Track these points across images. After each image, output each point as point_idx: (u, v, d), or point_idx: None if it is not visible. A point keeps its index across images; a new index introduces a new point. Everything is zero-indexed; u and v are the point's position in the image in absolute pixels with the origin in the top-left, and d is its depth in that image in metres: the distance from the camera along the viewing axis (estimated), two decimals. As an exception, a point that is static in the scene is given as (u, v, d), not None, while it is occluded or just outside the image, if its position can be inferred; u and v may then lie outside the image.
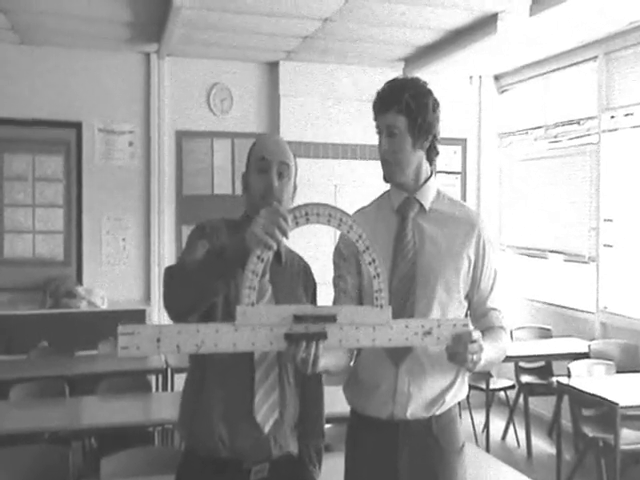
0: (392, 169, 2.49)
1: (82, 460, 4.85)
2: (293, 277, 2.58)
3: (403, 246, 2.46)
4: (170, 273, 2.30)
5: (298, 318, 2.03)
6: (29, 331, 6.50)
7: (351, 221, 2.09)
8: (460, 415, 5.56)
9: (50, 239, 7.22)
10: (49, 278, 7.02)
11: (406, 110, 2.42)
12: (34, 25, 6.48)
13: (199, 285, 2.18)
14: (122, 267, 7.41)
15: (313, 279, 2.68)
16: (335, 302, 2.52)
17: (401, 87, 2.46)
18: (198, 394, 2.48)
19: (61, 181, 7.27)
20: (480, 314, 2.55)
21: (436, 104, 2.49)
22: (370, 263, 2.10)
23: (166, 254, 7.45)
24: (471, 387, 6.48)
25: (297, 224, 2.05)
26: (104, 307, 6.95)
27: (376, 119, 2.51)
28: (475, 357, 2.18)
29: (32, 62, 7.15)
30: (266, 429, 2.44)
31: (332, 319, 2.06)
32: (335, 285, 2.55)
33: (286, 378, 2.51)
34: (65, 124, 7.24)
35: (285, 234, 2.02)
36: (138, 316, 6.79)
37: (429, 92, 2.49)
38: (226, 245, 2.18)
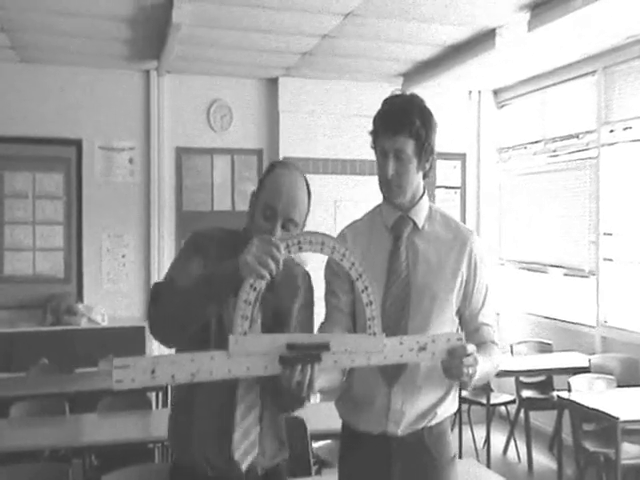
0: (395, 191, 2.48)
1: (82, 478, 4.83)
2: (285, 300, 2.52)
3: (397, 266, 2.47)
4: (157, 291, 2.29)
5: (291, 347, 2.04)
6: (29, 348, 6.50)
7: (344, 249, 2.10)
8: (460, 430, 5.56)
9: (50, 256, 7.23)
10: (49, 295, 7.02)
11: (416, 135, 2.41)
12: (34, 43, 6.50)
13: (188, 309, 2.17)
14: (122, 284, 7.41)
15: (310, 291, 2.58)
16: (327, 319, 2.52)
17: (410, 110, 2.43)
18: (182, 415, 2.50)
19: (61, 198, 7.28)
20: (472, 329, 2.55)
21: (436, 125, 2.50)
22: (363, 290, 2.10)
23: (166, 271, 7.44)
24: (471, 402, 6.49)
25: (290, 252, 2.06)
26: (104, 324, 6.95)
27: (379, 140, 2.47)
28: (471, 370, 2.19)
29: (32, 80, 7.17)
30: (243, 467, 2.42)
31: (325, 348, 2.06)
32: (327, 301, 2.54)
33: (270, 413, 2.49)
34: (65, 141, 7.26)
35: (278, 264, 2.01)
36: (138, 333, 6.79)
37: (431, 113, 2.49)
38: (217, 271, 2.17)
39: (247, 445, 2.43)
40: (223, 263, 2.21)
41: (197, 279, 2.21)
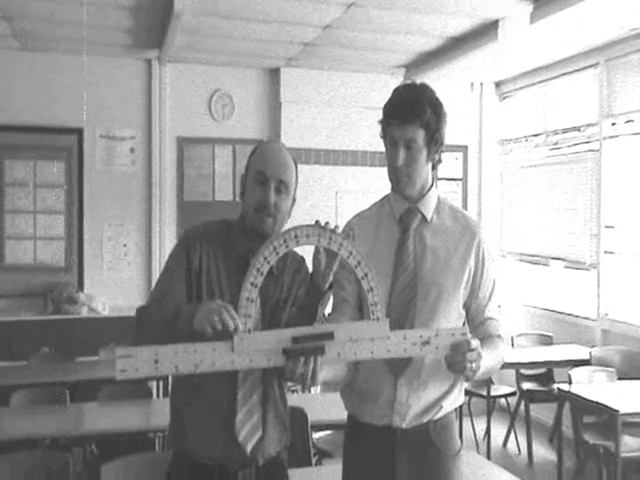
0: (404, 181, 2.46)
1: (83, 466, 4.83)
2: (287, 289, 2.56)
3: (405, 258, 2.45)
4: (140, 319, 2.40)
5: (296, 340, 2.06)
6: (30, 337, 6.50)
7: (341, 239, 2.12)
8: (461, 422, 5.53)
9: (51, 245, 7.22)
10: (50, 284, 7.02)
11: (427, 125, 2.39)
12: (35, 31, 6.49)
13: (165, 340, 2.16)
14: (123, 273, 7.41)
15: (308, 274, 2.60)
16: (334, 310, 2.51)
17: (421, 100, 2.41)
18: (182, 403, 2.53)
19: (62, 187, 7.27)
20: (478, 323, 2.54)
21: (446, 116, 2.48)
22: (363, 277, 2.12)
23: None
24: (472, 394, 6.49)
25: (287, 246, 2.09)
26: (105, 313, 6.95)
27: (390, 129, 2.45)
28: (474, 365, 2.18)
29: (33, 68, 7.16)
30: (248, 448, 2.44)
31: (330, 337, 2.07)
32: (334, 293, 2.53)
33: (272, 397, 2.52)
34: (66, 130, 7.25)
35: (235, 327, 2.06)
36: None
37: (442, 103, 2.47)
38: (183, 311, 2.23)
39: (250, 427, 2.45)
40: (189, 306, 2.30)
41: (170, 313, 2.27)
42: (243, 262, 2.38)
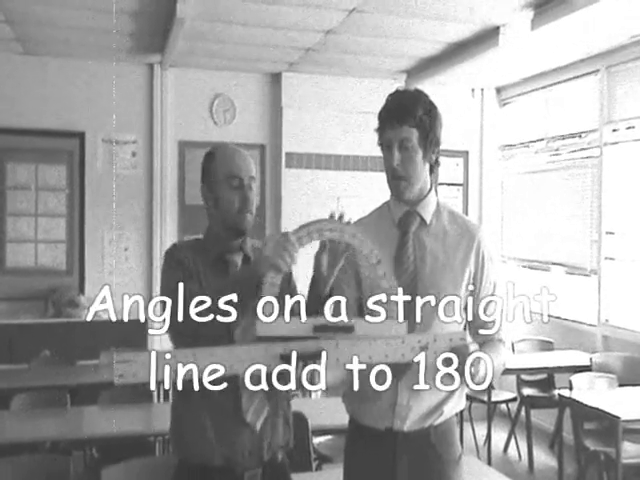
0: (402, 184, 2.47)
1: (83, 470, 4.84)
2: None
3: (404, 260, 2.46)
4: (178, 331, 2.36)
5: (317, 328, 2.06)
6: (31, 340, 6.49)
7: (353, 229, 2.15)
8: (461, 427, 5.52)
9: (53, 248, 7.23)
10: (51, 287, 7.02)
11: (419, 124, 2.42)
12: (38, 35, 6.50)
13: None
14: (124, 277, 7.40)
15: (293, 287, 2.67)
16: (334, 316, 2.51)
17: (414, 101, 2.45)
18: (186, 405, 2.53)
19: (64, 191, 7.28)
20: (478, 326, 2.53)
21: (441, 117, 2.50)
22: (378, 263, 2.14)
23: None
24: (473, 399, 6.47)
25: (302, 244, 2.12)
26: (106, 317, 6.93)
27: (384, 132, 2.47)
28: (473, 370, 2.18)
29: (36, 72, 7.17)
30: (257, 426, 2.45)
31: (350, 330, 2.08)
32: (334, 298, 2.53)
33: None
34: (68, 134, 7.26)
35: (293, 258, 2.11)
36: (139, 326, 6.75)
37: (434, 104, 2.50)
38: (237, 279, 2.31)
39: (256, 405, 2.45)
40: (239, 271, 2.48)
41: (220, 288, 2.26)
42: (221, 263, 2.55)
